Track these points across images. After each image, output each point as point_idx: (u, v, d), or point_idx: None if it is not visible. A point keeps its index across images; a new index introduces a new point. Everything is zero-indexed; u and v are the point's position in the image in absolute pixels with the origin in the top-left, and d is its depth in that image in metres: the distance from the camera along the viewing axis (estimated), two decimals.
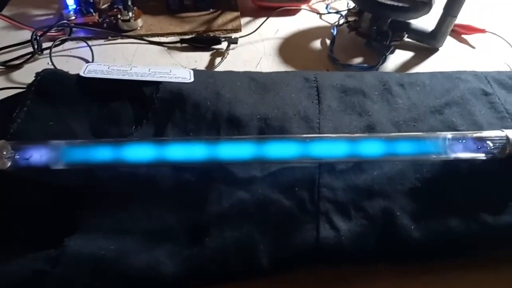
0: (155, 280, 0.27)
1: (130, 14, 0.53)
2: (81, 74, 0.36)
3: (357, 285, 0.29)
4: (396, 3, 0.47)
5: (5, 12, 0.55)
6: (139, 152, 0.32)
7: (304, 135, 0.32)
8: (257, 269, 0.28)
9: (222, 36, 0.53)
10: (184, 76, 0.37)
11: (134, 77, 0.37)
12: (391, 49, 0.50)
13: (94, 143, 0.32)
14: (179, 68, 0.34)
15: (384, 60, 0.49)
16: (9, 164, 0.30)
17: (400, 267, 0.30)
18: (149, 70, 0.37)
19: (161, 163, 0.32)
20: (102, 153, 0.31)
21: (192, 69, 0.43)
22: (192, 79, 0.36)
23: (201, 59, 0.50)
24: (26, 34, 0.49)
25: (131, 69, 0.37)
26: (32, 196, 0.31)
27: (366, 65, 0.48)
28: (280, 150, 0.32)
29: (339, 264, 0.30)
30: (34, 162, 0.30)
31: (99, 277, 0.27)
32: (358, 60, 0.50)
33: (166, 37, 0.54)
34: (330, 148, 0.32)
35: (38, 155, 0.30)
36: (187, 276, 0.27)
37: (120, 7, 0.53)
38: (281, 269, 0.29)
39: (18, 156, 0.30)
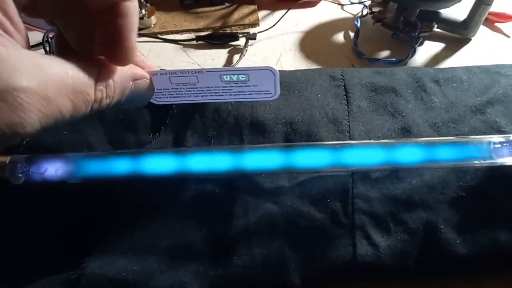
0: None
1: (143, 11, 0.51)
2: None
3: None
4: None
5: None
6: (159, 163, 0.30)
7: (335, 142, 0.30)
8: None
9: (239, 31, 0.50)
10: (268, 88, 0.25)
11: (204, 99, 0.26)
12: (420, 41, 0.47)
13: (111, 155, 0.30)
14: (258, 73, 0.24)
15: (413, 53, 0.46)
16: (23, 179, 0.28)
17: (443, 282, 0.28)
18: (221, 80, 0.25)
19: (183, 175, 0.30)
20: (120, 166, 0.29)
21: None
22: (278, 94, 0.25)
23: (218, 56, 0.48)
24: (37, 36, 0.47)
25: (198, 81, 0.25)
26: (48, 213, 0.29)
27: (394, 58, 0.45)
28: (309, 158, 0.29)
29: (376, 280, 0.27)
30: (49, 176, 0.29)
31: None
32: (385, 54, 0.47)
33: (181, 34, 0.51)
34: (364, 155, 0.29)
35: (53, 169, 0.29)
36: None
37: None
38: (313, 287, 0.27)
39: (32, 171, 0.28)
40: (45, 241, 0.28)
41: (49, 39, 0.46)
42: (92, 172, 0.29)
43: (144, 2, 0.51)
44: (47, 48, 0.46)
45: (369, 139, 0.32)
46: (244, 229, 0.28)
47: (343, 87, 0.36)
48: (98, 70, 0.20)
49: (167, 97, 0.26)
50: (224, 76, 0.24)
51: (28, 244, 0.28)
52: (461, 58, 0.47)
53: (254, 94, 0.25)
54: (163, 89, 0.25)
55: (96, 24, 0.20)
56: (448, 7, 0.46)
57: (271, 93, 0.25)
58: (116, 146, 0.33)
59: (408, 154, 0.29)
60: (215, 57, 0.48)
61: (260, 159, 0.30)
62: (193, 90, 0.25)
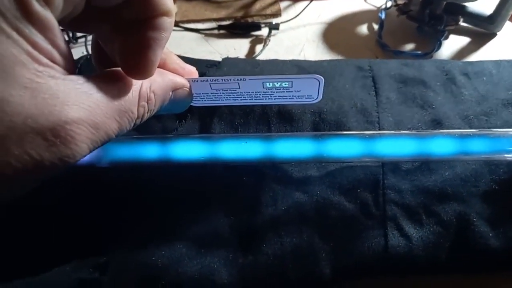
0: None
1: None
2: None
3: None
4: None
5: None
6: (187, 149, 0.29)
7: (366, 132, 0.29)
8: (318, 279, 0.26)
9: (262, 21, 0.50)
10: (311, 93, 0.25)
11: (243, 102, 0.26)
12: (445, 35, 0.46)
13: (139, 139, 0.30)
14: (303, 81, 0.24)
15: (439, 46, 0.45)
16: None
17: (474, 277, 0.27)
18: (263, 86, 0.24)
19: (211, 162, 0.30)
20: (148, 151, 0.29)
21: (234, 58, 0.40)
22: (320, 98, 0.25)
23: (240, 46, 0.47)
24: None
25: (239, 87, 0.24)
26: (75, 196, 0.29)
27: (419, 51, 0.45)
28: (339, 148, 0.29)
29: (407, 273, 0.27)
30: None
31: (150, 285, 0.25)
32: (409, 46, 0.47)
33: (202, 23, 0.51)
34: (395, 145, 0.29)
35: None
36: (243, 286, 0.25)
37: None
38: (344, 278, 0.26)
39: None
40: (74, 226, 0.28)
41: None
42: (120, 157, 0.29)
43: None
44: (70, 34, 0.45)
45: (399, 130, 0.31)
46: (273, 217, 0.28)
47: (372, 78, 0.36)
48: (140, 85, 0.19)
49: (205, 100, 0.26)
50: (267, 83, 0.24)
51: (57, 229, 0.28)
52: (487, 53, 0.46)
53: (296, 98, 0.25)
54: (202, 93, 0.25)
55: (126, 34, 0.19)
56: (475, 0, 0.45)
57: (312, 97, 0.25)
58: (142, 133, 0.33)
59: (440, 145, 0.29)
60: (237, 47, 0.47)
61: (289, 148, 0.29)
62: (233, 95, 0.25)
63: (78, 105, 0.16)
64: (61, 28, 0.16)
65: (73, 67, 0.18)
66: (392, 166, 0.30)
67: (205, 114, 0.33)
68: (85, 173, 0.29)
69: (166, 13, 0.19)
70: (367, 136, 0.29)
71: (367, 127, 0.32)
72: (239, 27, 0.49)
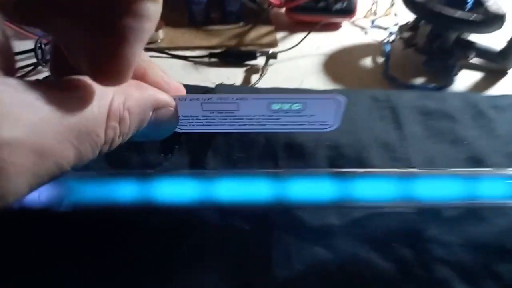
0: None
1: None
2: None
3: None
4: (466, 16, 0.40)
5: None
6: (174, 189, 0.23)
7: (398, 170, 0.24)
8: None
9: (258, 50, 0.45)
10: (326, 119, 0.19)
11: (241, 128, 0.20)
12: (456, 69, 0.43)
13: (111, 175, 0.23)
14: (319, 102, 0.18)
15: (452, 81, 0.41)
16: None
17: None
18: (268, 108, 0.18)
19: (204, 206, 0.23)
20: (123, 190, 0.23)
21: (229, 84, 0.35)
22: (338, 125, 0.19)
23: (234, 75, 0.42)
24: (29, 43, 0.41)
25: (238, 108, 0.19)
26: (26, 249, 0.22)
27: (432, 85, 0.41)
28: (367, 189, 0.23)
29: None
30: (30, 202, 0.22)
31: None
32: (419, 80, 0.43)
33: (192, 51, 0.46)
34: (435, 187, 0.23)
35: (35, 192, 0.22)
36: None
37: None
38: None
39: None
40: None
41: (42, 46, 0.40)
42: (87, 198, 0.22)
43: None
44: (39, 56, 0.39)
45: (433, 169, 0.26)
46: (286, 280, 0.21)
47: (391, 109, 0.31)
48: (110, 99, 0.14)
49: (193, 125, 0.20)
50: (274, 104, 0.18)
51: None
52: (502, 89, 0.42)
53: (307, 125, 0.19)
54: (191, 116, 0.19)
55: (94, 23, 0.13)
56: (489, 33, 0.42)
57: (328, 124, 0.19)
58: (116, 167, 0.26)
59: (490, 187, 0.23)
60: (231, 76, 0.42)
61: (303, 188, 0.23)
62: (229, 119, 0.19)
63: (16, 121, 0.10)
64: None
65: (13, 66, 0.12)
66: (432, 213, 0.24)
67: (197, 146, 0.27)
68: (38, 220, 0.22)
69: None
70: (400, 176, 0.23)
71: (394, 164, 0.26)
72: (233, 55, 0.44)
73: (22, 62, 0.40)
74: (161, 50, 0.45)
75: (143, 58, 0.17)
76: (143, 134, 0.17)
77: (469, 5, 0.40)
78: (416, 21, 0.46)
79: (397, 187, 0.23)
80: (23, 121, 0.10)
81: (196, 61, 0.44)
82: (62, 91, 0.12)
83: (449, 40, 0.44)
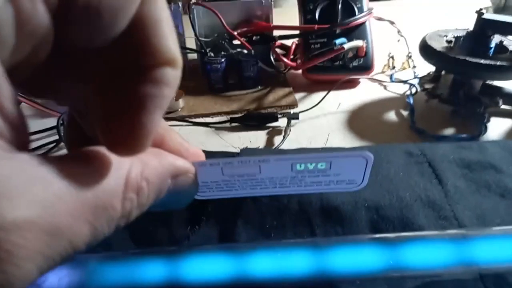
0: None
1: None
2: None
3: None
4: (492, 63, 0.39)
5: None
6: (203, 266, 0.21)
7: (451, 232, 0.21)
8: None
9: (279, 112, 0.45)
10: (353, 178, 0.18)
11: (263, 191, 0.18)
12: (486, 117, 0.41)
13: (137, 255, 0.21)
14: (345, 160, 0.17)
15: (485, 129, 0.39)
16: None
17: None
18: (292, 170, 0.17)
19: (237, 283, 0.21)
20: (149, 271, 0.21)
21: (254, 148, 0.34)
22: (366, 184, 0.18)
23: (256, 138, 0.41)
24: (51, 121, 0.42)
25: (260, 171, 0.17)
26: None
27: (464, 135, 0.39)
28: (419, 255, 0.21)
29: None
30: None
31: None
32: (448, 131, 0.41)
33: (212, 117, 0.46)
34: (495, 249, 0.21)
35: (55, 278, 0.20)
36: None
37: None
38: None
39: None
40: None
41: (64, 123, 0.40)
42: (111, 282, 0.20)
43: None
44: (61, 133, 0.40)
45: (487, 227, 0.23)
46: None
47: (428, 164, 0.29)
48: (128, 169, 0.13)
49: (213, 191, 0.18)
50: (297, 165, 0.17)
51: None
52: None
53: (333, 184, 0.18)
54: (210, 181, 0.18)
55: (110, 91, 0.13)
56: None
57: (355, 183, 0.18)
58: (143, 246, 0.25)
59: None
60: (253, 139, 0.41)
61: (347, 258, 0.21)
62: (250, 182, 0.18)
63: (28, 198, 0.09)
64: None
65: (26, 141, 0.11)
66: (494, 278, 0.21)
67: (225, 216, 0.25)
68: None
69: (171, 62, 0.12)
70: (454, 237, 0.21)
71: (442, 224, 0.24)
72: (254, 118, 0.44)
73: (44, 139, 0.41)
74: (182, 119, 0.45)
75: (161, 125, 0.16)
76: (162, 203, 0.15)
77: (491, 51, 0.39)
78: (437, 72, 0.45)
79: (453, 250, 0.21)
80: (35, 198, 0.09)
81: (218, 127, 0.44)
82: (77, 163, 0.11)
83: (475, 87, 0.43)
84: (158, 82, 0.12)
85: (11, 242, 0.09)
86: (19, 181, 0.09)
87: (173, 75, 0.13)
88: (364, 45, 0.48)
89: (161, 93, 0.12)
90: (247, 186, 0.18)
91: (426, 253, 0.21)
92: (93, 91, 0.13)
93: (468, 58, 0.38)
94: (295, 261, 0.21)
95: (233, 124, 0.44)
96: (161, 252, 0.21)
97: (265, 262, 0.21)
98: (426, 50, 0.42)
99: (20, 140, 0.10)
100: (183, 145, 0.17)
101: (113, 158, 0.12)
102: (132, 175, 0.13)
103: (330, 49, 0.47)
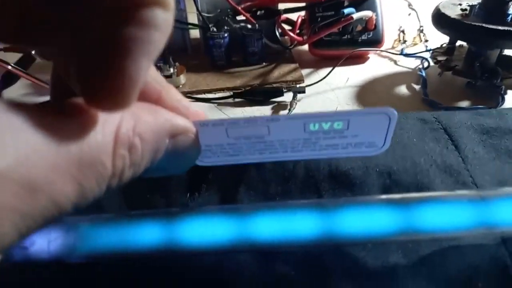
0: None
1: (172, 70, 0.45)
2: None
3: None
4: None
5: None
6: (202, 229, 0.20)
7: (470, 192, 0.20)
8: None
9: (284, 86, 0.43)
10: (373, 139, 0.16)
11: (272, 156, 0.17)
12: (503, 89, 0.39)
13: (130, 217, 0.20)
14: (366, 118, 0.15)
15: (503, 100, 0.37)
16: None
17: None
18: (305, 130, 0.15)
19: (238, 247, 0.19)
20: (143, 234, 0.19)
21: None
22: (387, 146, 0.16)
23: (260, 113, 0.40)
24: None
25: (269, 132, 0.16)
26: None
27: (481, 106, 0.37)
28: (435, 217, 0.19)
29: None
30: (37, 252, 0.19)
31: None
32: (463, 104, 0.39)
33: (215, 93, 0.44)
34: None
35: (44, 240, 0.19)
36: None
37: (160, 64, 0.45)
38: None
39: None
40: None
41: None
42: (103, 246, 0.19)
43: (173, 62, 0.45)
44: None
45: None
46: None
47: (443, 130, 0.27)
48: (117, 123, 0.11)
49: (218, 156, 0.17)
50: (311, 125, 0.15)
51: None
52: None
53: (350, 148, 0.16)
54: (214, 145, 0.16)
55: (91, 36, 0.11)
56: None
57: (376, 146, 0.16)
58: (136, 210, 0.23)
59: None
60: (257, 114, 0.40)
61: (358, 220, 0.19)
62: (259, 145, 0.16)
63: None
64: None
65: None
66: None
67: (227, 183, 0.24)
68: (47, 273, 0.19)
69: (161, 3, 0.10)
70: (474, 198, 0.19)
71: (460, 189, 0.22)
72: (258, 93, 0.42)
73: None
74: (183, 95, 0.44)
75: (158, 80, 0.14)
76: (160, 167, 0.14)
77: (509, 18, 0.37)
78: (451, 43, 0.43)
79: (472, 212, 0.19)
80: (8, 148, 0.08)
81: (221, 103, 0.42)
82: (58, 115, 0.10)
83: (491, 58, 0.40)
84: (146, 24, 0.10)
85: None
86: None
87: (163, 17, 0.11)
88: (374, 17, 0.46)
89: (149, 37, 0.10)
90: (255, 150, 0.16)
91: (443, 215, 0.19)
92: (70, 36, 0.11)
93: (484, 25, 0.36)
94: (301, 223, 0.19)
95: (237, 100, 0.42)
96: (157, 214, 0.20)
97: (268, 225, 0.19)
98: (439, 18, 0.40)
99: None
100: (183, 102, 0.15)
101: (97, 112, 0.11)
102: (123, 129, 0.11)
103: (338, 19, 0.45)
